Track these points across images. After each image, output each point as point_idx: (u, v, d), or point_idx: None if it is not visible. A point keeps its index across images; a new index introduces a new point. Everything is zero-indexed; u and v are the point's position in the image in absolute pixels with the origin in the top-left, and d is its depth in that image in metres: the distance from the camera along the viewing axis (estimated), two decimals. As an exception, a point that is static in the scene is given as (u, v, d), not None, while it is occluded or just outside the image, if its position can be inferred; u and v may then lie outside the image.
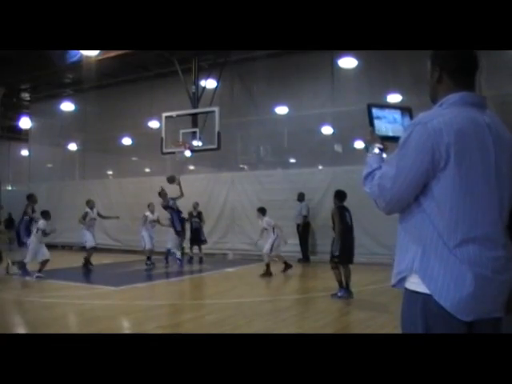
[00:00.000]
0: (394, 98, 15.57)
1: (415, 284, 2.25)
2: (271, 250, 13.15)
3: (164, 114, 17.07)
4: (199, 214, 16.26)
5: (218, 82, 17.77)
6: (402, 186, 2.26)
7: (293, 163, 19.99)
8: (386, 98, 15.37)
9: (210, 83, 18.00)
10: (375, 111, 2.62)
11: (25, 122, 25.07)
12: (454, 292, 2.13)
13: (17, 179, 27.02)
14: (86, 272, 14.23)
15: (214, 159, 19.04)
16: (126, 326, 8.43)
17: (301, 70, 17.06)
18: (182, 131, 16.88)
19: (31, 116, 25.09)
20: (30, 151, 26.08)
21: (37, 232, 12.70)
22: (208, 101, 17.18)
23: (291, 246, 16.17)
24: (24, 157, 27.91)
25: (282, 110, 18.63)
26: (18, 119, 25.12)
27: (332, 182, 15.03)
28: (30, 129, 25.35)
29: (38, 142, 24.94)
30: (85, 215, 14.85)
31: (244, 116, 18.37)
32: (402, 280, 2.33)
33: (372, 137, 2.60)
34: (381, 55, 14.27)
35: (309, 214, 16.33)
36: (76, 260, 15.12)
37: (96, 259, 14.48)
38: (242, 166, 20.42)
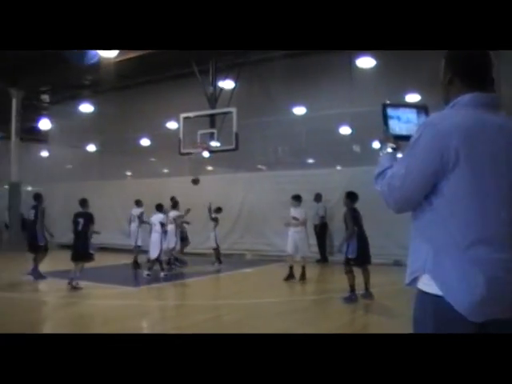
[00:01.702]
0: (413, 97, 15.44)
1: (427, 285, 2.25)
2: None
3: (182, 115, 17.10)
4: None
5: (235, 83, 17.78)
6: (410, 185, 2.28)
7: (311, 164, 19.93)
8: (404, 97, 15.25)
9: (227, 84, 18.01)
10: (390, 111, 2.63)
11: (44, 124, 25.28)
12: (466, 294, 2.12)
13: (37, 180, 27.20)
14: (106, 272, 14.28)
15: (231, 160, 19.01)
16: (142, 327, 8.45)
17: (319, 70, 17.01)
18: (199, 132, 16.90)
19: (51, 118, 25.28)
20: (49, 152, 26.33)
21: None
22: (226, 101, 17.19)
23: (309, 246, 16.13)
24: (44, 158, 28.14)
25: (299, 110, 18.61)
26: (37, 121, 25.33)
27: (350, 183, 14.92)
28: (50, 130, 25.57)
29: (58, 144, 25.16)
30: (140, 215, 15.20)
31: (262, 116, 18.30)
32: (415, 280, 2.33)
33: (385, 136, 2.61)
34: (399, 55, 14.18)
35: (326, 215, 16.29)
36: (96, 260, 15.14)
37: (116, 259, 14.51)
38: (259, 166, 20.40)
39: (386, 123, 2.61)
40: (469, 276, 2.12)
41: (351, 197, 10.04)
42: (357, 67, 16.59)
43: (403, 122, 2.62)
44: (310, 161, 20.07)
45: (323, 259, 16.26)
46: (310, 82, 17.44)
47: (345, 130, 18.02)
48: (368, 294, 9.65)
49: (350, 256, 9.59)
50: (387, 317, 8.27)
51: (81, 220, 11.55)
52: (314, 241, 16.20)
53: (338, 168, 18.16)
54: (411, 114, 2.64)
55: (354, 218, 9.75)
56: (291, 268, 12.31)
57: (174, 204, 14.55)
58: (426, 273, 2.24)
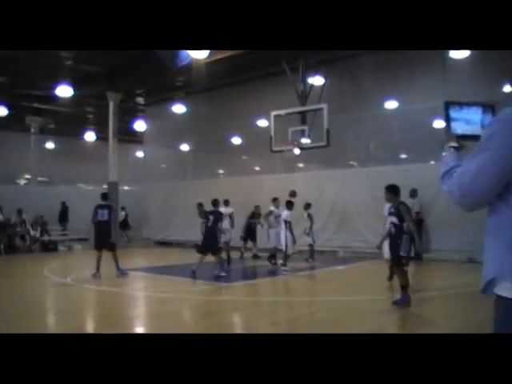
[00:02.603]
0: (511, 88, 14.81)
1: (509, 290, 2.10)
2: None
3: (273, 113, 17.21)
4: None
5: (325, 79, 17.69)
6: (482, 183, 2.12)
7: (404, 159, 19.50)
8: (502, 88, 14.67)
9: (317, 80, 17.93)
10: (452, 111, 2.57)
11: (140, 125, 26.15)
12: None
13: (133, 179, 28.18)
14: (200, 269, 14.51)
15: (323, 156, 18.92)
16: (238, 322, 8.60)
17: (410, 63, 16.59)
18: (290, 129, 16.94)
19: (146, 119, 26.19)
20: (145, 153, 27.23)
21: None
22: (316, 98, 17.13)
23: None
24: (139, 158, 29.13)
25: (391, 104, 18.25)
26: (133, 122, 26.21)
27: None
28: (145, 131, 26.49)
29: (153, 144, 26.02)
30: (269, 213, 15.66)
31: (353, 112, 18.09)
32: (490, 283, 2.17)
33: (447, 135, 2.53)
34: (496, 44, 13.62)
35: (422, 211, 15.92)
36: (190, 257, 15.41)
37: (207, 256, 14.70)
38: (352, 162, 20.19)
39: (447, 123, 2.56)
40: None
41: (396, 191, 9.04)
42: (450, 58, 16.06)
43: (466, 122, 2.56)
44: (403, 156, 19.64)
45: (418, 256, 15.89)
46: (402, 75, 17.05)
47: (439, 124, 17.50)
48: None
49: (402, 254, 8.90)
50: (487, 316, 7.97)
51: (211, 217, 12.77)
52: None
53: (433, 162, 17.67)
54: (475, 114, 2.57)
55: (409, 212, 9.00)
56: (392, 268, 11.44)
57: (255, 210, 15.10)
58: (506, 279, 2.09)
